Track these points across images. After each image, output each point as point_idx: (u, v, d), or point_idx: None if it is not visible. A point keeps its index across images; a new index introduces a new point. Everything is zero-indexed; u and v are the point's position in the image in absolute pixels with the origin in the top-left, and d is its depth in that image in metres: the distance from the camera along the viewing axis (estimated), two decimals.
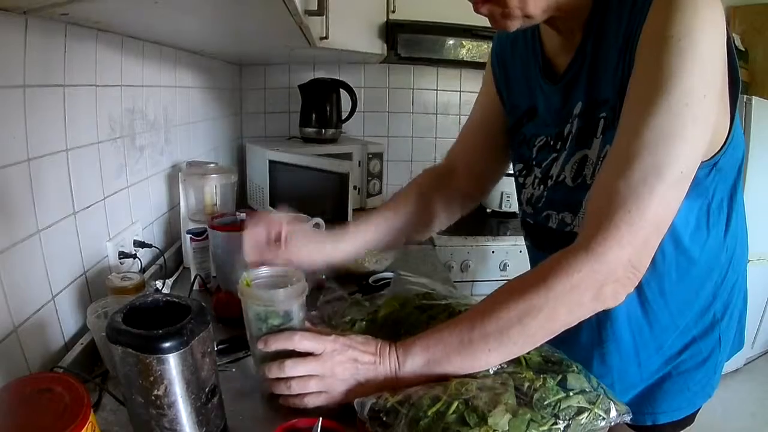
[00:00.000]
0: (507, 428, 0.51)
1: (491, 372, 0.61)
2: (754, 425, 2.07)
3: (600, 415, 0.54)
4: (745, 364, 2.46)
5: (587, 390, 0.57)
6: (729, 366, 2.35)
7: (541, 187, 0.77)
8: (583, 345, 0.74)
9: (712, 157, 0.63)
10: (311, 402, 0.64)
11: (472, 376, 0.60)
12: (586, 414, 0.54)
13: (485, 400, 0.54)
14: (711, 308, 0.73)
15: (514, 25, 0.63)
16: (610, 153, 0.60)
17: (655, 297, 0.70)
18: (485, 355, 0.59)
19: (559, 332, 0.60)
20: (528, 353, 0.63)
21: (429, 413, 0.54)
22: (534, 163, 0.78)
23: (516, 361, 0.62)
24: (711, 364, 0.75)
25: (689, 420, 0.77)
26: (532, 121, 0.80)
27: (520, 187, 0.82)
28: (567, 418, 0.53)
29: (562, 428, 0.53)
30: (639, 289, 0.62)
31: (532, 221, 0.80)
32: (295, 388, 0.63)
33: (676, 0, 0.53)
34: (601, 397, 0.56)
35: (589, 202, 0.61)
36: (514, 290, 0.59)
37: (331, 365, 0.63)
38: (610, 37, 0.63)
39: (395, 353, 0.63)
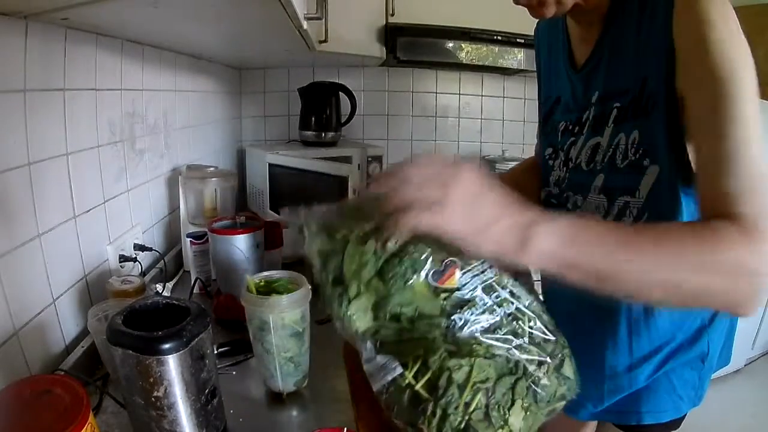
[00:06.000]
0: (521, 425, 0.52)
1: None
2: (754, 425, 2.06)
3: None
4: (745, 365, 2.45)
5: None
6: (729, 366, 2.34)
7: (564, 169, 0.82)
8: (584, 332, 0.74)
9: None
10: (424, 221, 0.49)
11: (490, 356, 0.53)
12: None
13: (504, 392, 0.53)
14: (700, 313, 0.74)
15: (550, 11, 0.67)
16: (704, 159, 0.58)
17: None
18: (627, 264, 0.51)
19: (697, 302, 0.55)
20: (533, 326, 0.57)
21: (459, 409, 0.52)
22: (559, 147, 0.83)
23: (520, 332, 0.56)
24: (697, 370, 0.76)
25: (674, 425, 0.78)
26: (558, 107, 0.84)
27: (549, 170, 0.85)
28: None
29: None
30: None
31: (555, 201, 0.84)
32: (416, 188, 0.50)
33: (699, 2, 0.56)
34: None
35: (703, 207, 0.58)
36: (686, 234, 0.53)
37: (453, 187, 0.50)
38: (628, 31, 0.66)
39: (537, 210, 0.52)
